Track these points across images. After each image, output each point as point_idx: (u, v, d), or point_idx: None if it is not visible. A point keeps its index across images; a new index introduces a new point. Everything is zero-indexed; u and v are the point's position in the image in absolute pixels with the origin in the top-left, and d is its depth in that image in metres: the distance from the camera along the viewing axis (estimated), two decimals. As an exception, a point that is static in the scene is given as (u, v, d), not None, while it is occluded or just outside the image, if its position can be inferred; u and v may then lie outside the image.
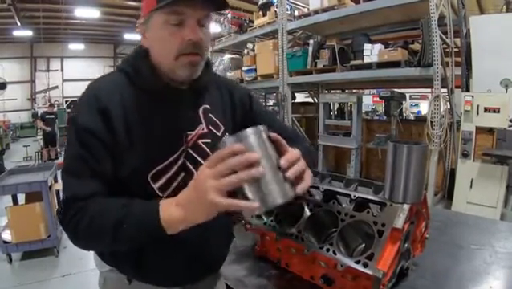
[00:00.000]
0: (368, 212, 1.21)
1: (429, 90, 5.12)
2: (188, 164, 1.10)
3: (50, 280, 3.99)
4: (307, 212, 1.34)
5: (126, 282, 1.15)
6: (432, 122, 4.63)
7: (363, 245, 1.24)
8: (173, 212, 0.88)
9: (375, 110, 15.84)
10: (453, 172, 5.26)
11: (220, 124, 1.20)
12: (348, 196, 1.31)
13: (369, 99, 16.93)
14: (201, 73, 1.12)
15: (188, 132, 1.11)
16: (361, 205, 1.27)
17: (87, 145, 0.99)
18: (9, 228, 4.35)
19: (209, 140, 1.15)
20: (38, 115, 19.30)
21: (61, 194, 1.07)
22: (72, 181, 0.99)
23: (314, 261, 1.25)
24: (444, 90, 5.06)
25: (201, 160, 1.10)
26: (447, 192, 5.39)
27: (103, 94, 1.04)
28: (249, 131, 0.83)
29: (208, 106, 1.19)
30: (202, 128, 1.15)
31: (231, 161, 0.79)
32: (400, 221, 1.09)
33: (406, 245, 1.20)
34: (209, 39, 1.12)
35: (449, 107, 5.14)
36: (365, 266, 1.06)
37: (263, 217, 1.47)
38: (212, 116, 1.19)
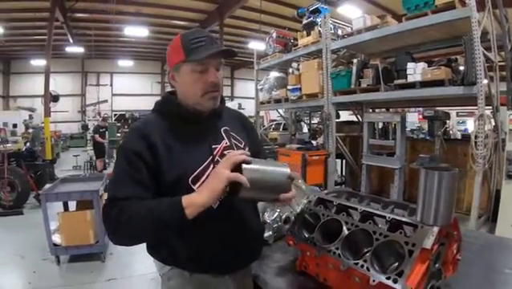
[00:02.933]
0: (401, 232, 1.31)
1: (476, 107, 4.99)
2: None
3: (95, 283, 4.21)
4: (345, 230, 1.45)
5: (187, 275, 1.45)
6: (476, 142, 4.53)
7: (396, 264, 1.32)
8: (191, 197, 1.25)
9: (420, 128, 15.41)
10: (498, 194, 5.04)
11: (241, 141, 1.60)
12: (383, 217, 1.42)
13: (414, 117, 16.52)
14: None
15: (214, 146, 1.47)
16: (395, 226, 1.36)
17: (131, 162, 1.33)
18: (59, 232, 4.67)
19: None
20: (89, 127, 20.41)
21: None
22: (115, 186, 1.35)
23: (350, 276, 1.35)
24: (489, 108, 4.96)
25: None
26: (492, 214, 5.17)
27: (143, 127, 1.44)
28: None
29: (227, 128, 1.58)
30: (226, 143, 1.52)
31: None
32: (429, 242, 1.18)
33: (437, 265, 1.27)
34: (222, 79, 1.52)
35: (494, 125, 5.02)
36: (395, 282, 1.15)
37: (305, 234, 1.61)
38: (233, 134, 1.58)
